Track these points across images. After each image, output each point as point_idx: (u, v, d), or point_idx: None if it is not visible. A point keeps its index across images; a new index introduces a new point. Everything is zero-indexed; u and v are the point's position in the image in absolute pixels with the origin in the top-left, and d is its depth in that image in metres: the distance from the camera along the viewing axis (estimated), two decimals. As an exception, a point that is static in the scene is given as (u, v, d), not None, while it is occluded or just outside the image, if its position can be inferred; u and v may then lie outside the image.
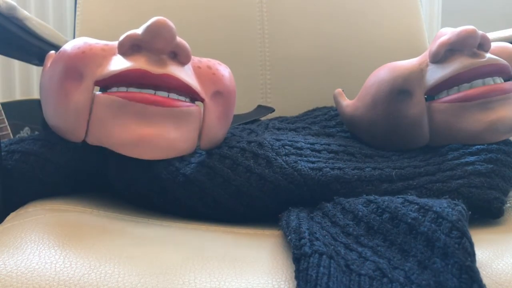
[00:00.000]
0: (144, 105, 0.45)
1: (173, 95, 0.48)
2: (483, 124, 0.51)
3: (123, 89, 0.47)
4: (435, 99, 0.55)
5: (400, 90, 0.55)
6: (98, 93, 0.48)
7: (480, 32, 0.52)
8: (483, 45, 0.53)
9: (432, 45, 0.56)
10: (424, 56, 0.57)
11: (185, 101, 0.48)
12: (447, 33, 0.56)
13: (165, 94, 0.47)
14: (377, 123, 0.58)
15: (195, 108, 0.49)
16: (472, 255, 0.31)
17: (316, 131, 0.63)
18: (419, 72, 0.55)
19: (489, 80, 0.52)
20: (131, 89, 0.46)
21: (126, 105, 0.45)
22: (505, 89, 0.51)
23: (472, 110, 0.51)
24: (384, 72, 0.57)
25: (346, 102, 0.66)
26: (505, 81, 0.54)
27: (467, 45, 0.52)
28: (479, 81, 0.52)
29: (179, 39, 0.48)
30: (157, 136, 0.46)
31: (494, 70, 0.52)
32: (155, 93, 0.47)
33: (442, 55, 0.54)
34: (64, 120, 0.49)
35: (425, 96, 0.56)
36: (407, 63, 0.57)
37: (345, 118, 0.65)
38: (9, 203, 0.50)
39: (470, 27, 0.51)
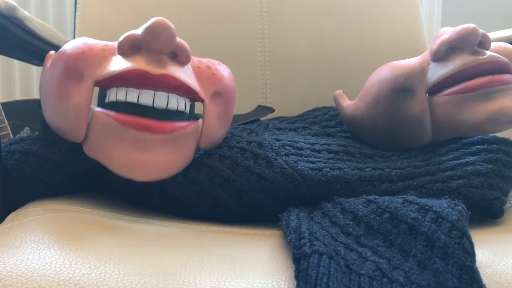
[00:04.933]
0: (140, 133, 0.45)
1: (173, 96, 0.47)
2: (485, 114, 0.51)
3: (123, 89, 0.46)
4: (436, 94, 0.55)
5: (402, 89, 0.55)
6: (96, 109, 0.47)
7: (481, 30, 0.53)
8: (483, 43, 0.54)
9: (433, 44, 0.56)
10: (425, 55, 0.57)
11: (181, 122, 0.47)
12: (448, 32, 0.56)
13: (164, 94, 0.47)
14: (379, 123, 0.58)
15: (191, 127, 0.48)
16: (472, 255, 0.31)
17: (316, 131, 0.63)
18: (421, 71, 0.56)
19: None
20: (131, 90, 0.46)
21: (122, 131, 0.45)
22: (505, 80, 0.51)
23: (473, 100, 0.52)
24: (386, 71, 0.58)
25: (347, 103, 0.66)
26: None
27: (468, 42, 0.52)
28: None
29: (178, 39, 0.48)
30: (152, 163, 0.46)
31: (495, 67, 0.52)
32: (154, 93, 0.46)
33: (443, 53, 0.54)
34: (64, 120, 0.49)
35: (427, 94, 0.56)
36: (408, 62, 0.57)
37: (346, 119, 0.65)
38: (9, 203, 0.50)
39: (470, 25, 0.51)
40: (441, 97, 0.54)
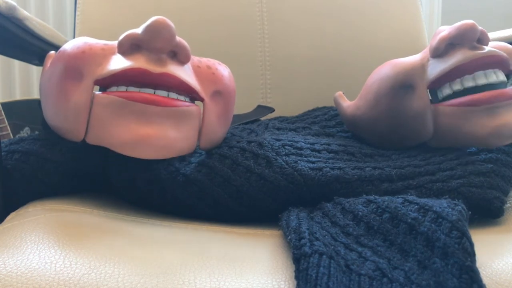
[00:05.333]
0: (144, 105, 0.45)
1: (173, 95, 0.48)
2: (489, 129, 0.51)
3: (123, 88, 0.47)
4: (440, 102, 0.55)
5: (402, 85, 0.56)
6: (97, 92, 0.47)
7: (479, 27, 0.53)
8: (482, 40, 0.54)
9: (432, 41, 0.56)
10: (425, 52, 0.57)
11: (184, 101, 0.48)
12: (446, 29, 0.56)
13: (164, 93, 0.47)
14: (380, 120, 0.58)
15: (194, 107, 0.49)
16: (472, 255, 0.31)
17: (316, 131, 0.63)
18: (421, 67, 0.56)
19: (490, 72, 0.52)
20: (131, 88, 0.46)
21: (126, 105, 0.45)
22: (511, 95, 0.51)
23: (478, 114, 0.52)
24: (386, 69, 0.58)
25: (347, 103, 0.66)
26: (505, 74, 0.54)
27: (467, 38, 0.52)
28: (481, 73, 0.52)
29: (178, 38, 0.48)
30: (157, 135, 0.46)
31: (494, 62, 0.52)
32: (154, 92, 0.47)
33: (442, 50, 0.54)
34: (64, 119, 0.49)
35: (428, 92, 0.56)
36: (409, 59, 0.57)
37: (346, 119, 0.65)
38: (9, 203, 0.50)
39: (469, 21, 0.52)
40: (446, 107, 0.54)
